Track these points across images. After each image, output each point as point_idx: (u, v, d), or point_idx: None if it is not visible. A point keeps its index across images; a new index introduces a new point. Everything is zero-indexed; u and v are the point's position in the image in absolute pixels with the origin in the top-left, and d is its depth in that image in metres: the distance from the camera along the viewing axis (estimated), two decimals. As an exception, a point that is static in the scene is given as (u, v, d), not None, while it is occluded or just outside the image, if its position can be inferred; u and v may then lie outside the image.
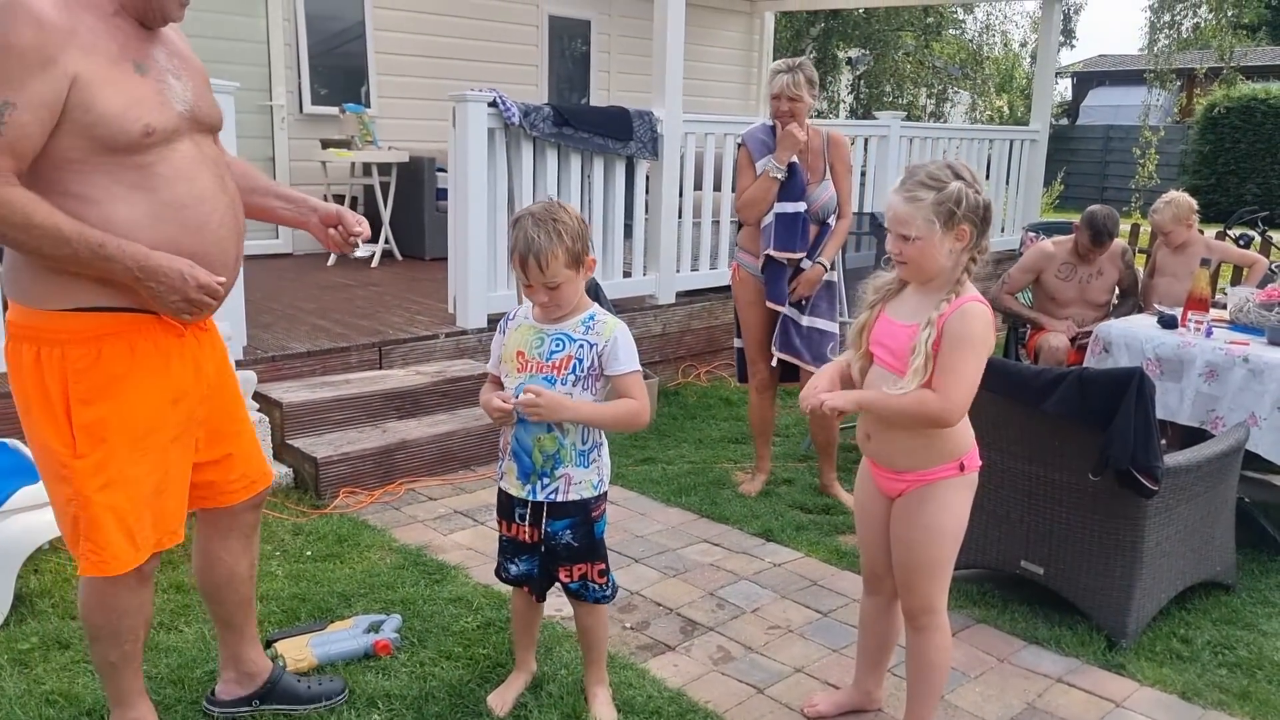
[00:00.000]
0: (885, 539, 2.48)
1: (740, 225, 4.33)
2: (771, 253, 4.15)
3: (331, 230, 2.49)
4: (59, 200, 1.97)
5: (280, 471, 4.20)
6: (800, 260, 4.17)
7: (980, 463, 2.41)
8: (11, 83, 1.88)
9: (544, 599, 2.68)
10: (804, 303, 4.21)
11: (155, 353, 2.14)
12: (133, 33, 2.07)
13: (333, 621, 3.07)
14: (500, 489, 2.57)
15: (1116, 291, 5.32)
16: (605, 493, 2.57)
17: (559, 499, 2.48)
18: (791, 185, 4.13)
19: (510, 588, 2.72)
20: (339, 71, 7.87)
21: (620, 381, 2.45)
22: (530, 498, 2.49)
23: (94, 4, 2.02)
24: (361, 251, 2.49)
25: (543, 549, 2.54)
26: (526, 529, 2.53)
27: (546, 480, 2.47)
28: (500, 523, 2.60)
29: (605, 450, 2.55)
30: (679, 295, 6.17)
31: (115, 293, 2.05)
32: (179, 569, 3.41)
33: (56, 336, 2.05)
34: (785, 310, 4.19)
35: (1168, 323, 4.32)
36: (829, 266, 4.19)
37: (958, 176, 2.21)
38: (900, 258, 2.28)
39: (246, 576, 2.54)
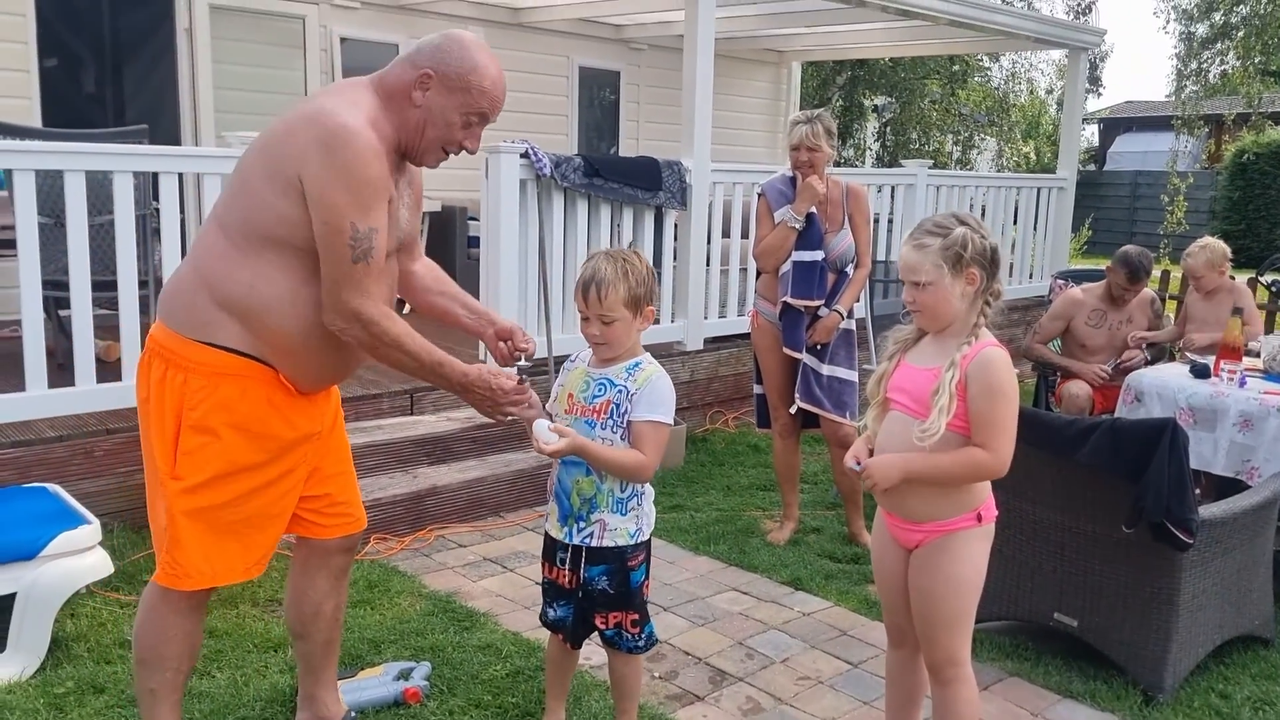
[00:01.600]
0: (905, 590, 2.47)
1: (760, 272, 4.37)
2: (789, 300, 4.18)
3: (501, 344, 2.63)
4: (271, 256, 2.20)
5: (312, 517, 4.24)
6: (818, 308, 4.20)
7: (996, 513, 2.41)
8: (372, 213, 2.17)
9: (579, 646, 2.68)
10: (823, 351, 4.23)
11: (265, 402, 2.28)
12: (396, 165, 2.32)
13: (363, 668, 3.08)
14: (545, 531, 2.61)
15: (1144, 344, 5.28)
16: (645, 543, 2.56)
17: (594, 544, 2.49)
18: (809, 234, 4.16)
19: (546, 635, 2.72)
20: (373, 122, 8.01)
21: (636, 427, 2.44)
22: (568, 540, 2.51)
23: (388, 139, 2.25)
24: (522, 362, 2.58)
25: (580, 594, 2.54)
26: (566, 573, 2.54)
27: (582, 524, 2.49)
28: (543, 565, 2.62)
29: (648, 500, 2.55)
30: (707, 342, 6.20)
31: (249, 340, 2.23)
32: (213, 614, 3.43)
33: (185, 363, 2.22)
34: (804, 358, 4.21)
35: (1200, 372, 4.30)
36: (845, 314, 4.22)
37: (962, 223, 2.32)
38: (915, 305, 2.36)
39: (331, 619, 2.65)
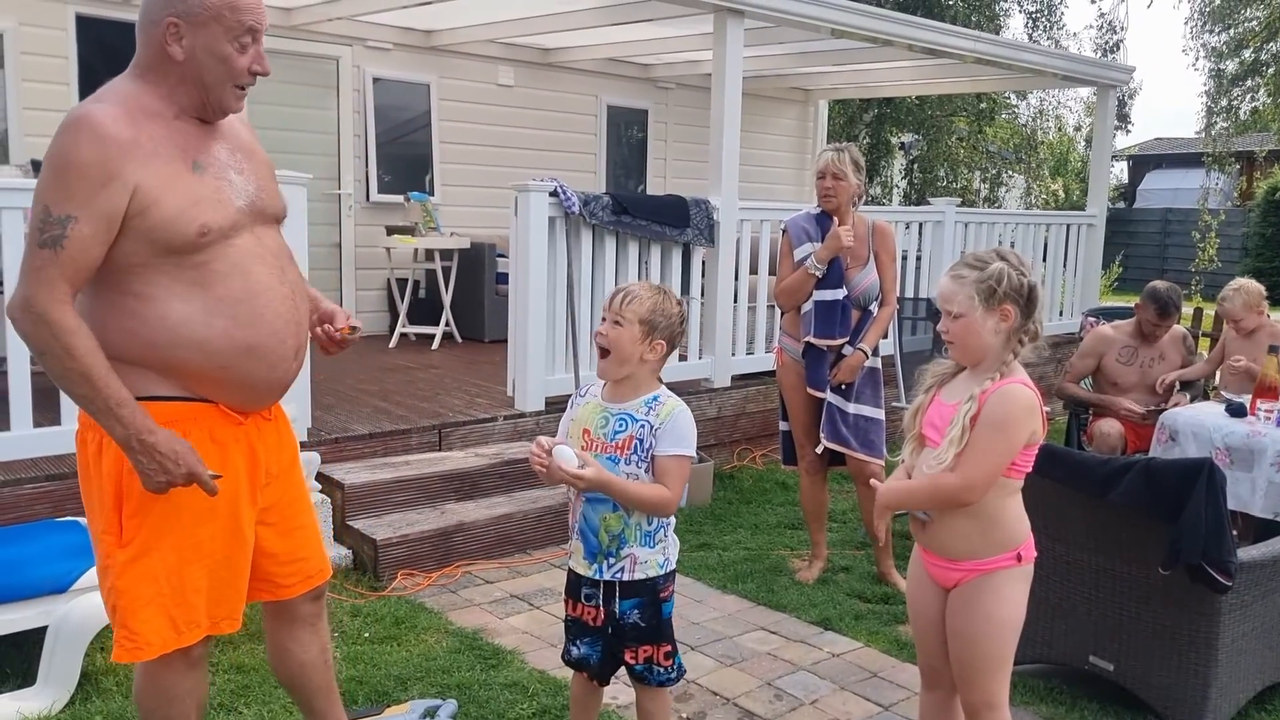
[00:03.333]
0: (941, 631, 2.43)
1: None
2: (811, 340, 4.17)
3: (320, 329, 2.47)
4: (120, 299, 2.06)
5: (340, 553, 4.25)
6: (841, 346, 4.18)
7: (1036, 553, 2.38)
8: (74, 199, 1.96)
9: (606, 683, 2.65)
10: (849, 389, 4.21)
11: (210, 441, 2.16)
12: (194, 132, 2.14)
13: (388, 706, 3.07)
14: (569, 568, 2.58)
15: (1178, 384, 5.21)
16: (673, 573, 2.55)
17: (625, 578, 2.48)
18: (830, 273, 4.15)
19: (570, 673, 2.70)
20: (404, 161, 8.14)
21: (660, 462, 2.43)
22: (598, 576, 2.49)
23: (156, 111, 2.09)
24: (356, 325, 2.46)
25: (609, 630, 2.52)
26: (594, 610, 2.51)
27: (612, 560, 2.47)
28: (566, 602, 2.60)
29: (671, 529, 2.55)
30: (734, 379, 6.18)
31: (177, 384, 2.11)
32: (239, 649, 3.44)
33: None
34: (829, 397, 4.19)
35: (1236, 411, 4.24)
36: (870, 353, 4.20)
37: (1002, 258, 2.31)
38: (948, 336, 2.35)
39: (320, 664, 2.53)
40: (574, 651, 2.58)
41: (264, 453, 2.29)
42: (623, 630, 2.50)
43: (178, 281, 2.07)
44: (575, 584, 2.56)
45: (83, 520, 3.58)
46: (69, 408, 4.02)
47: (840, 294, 4.16)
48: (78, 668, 3.09)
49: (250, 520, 2.27)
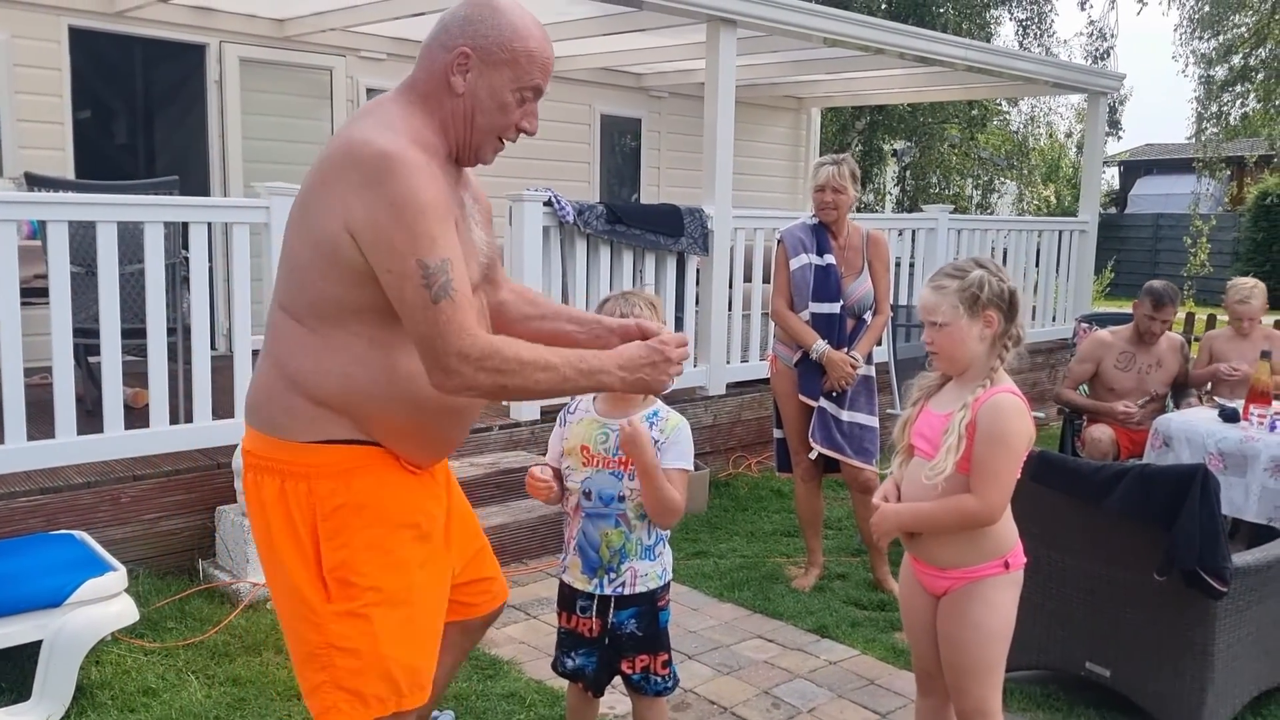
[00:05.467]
0: (933, 637, 2.45)
1: None
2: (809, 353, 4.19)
3: None
4: (348, 340, 1.90)
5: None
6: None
7: (1025, 560, 2.39)
8: (439, 241, 1.81)
9: (601, 694, 2.65)
10: (842, 396, 4.21)
11: (402, 486, 2.00)
12: (454, 178, 2.00)
13: (386, 717, 3.06)
14: (562, 581, 2.58)
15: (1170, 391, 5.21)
16: (669, 583, 2.57)
17: (625, 592, 2.48)
18: (827, 285, 4.18)
19: (565, 683, 2.70)
20: (398, 170, 8.12)
21: (668, 475, 2.45)
22: (597, 591, 2.49)
23: (435, 149, 1.94)
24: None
25: (606, 640, 2.52)
26: (589, 621, 2.51)
27: (613, 575, 2.48)
28: (560, 614, 2.60)
29: (667, 541, 2.57)
30: (729, 386, 6.19)
31: (364, 428, 1.95)
32: (235, 661, 3.43)
33: (303, 470, 1.92)
34: (823, 405, 4.21)
35: (1229, 416, 4.25)
36: (861, 361, 4.21)
37: (980, 266, 2.35)
38: (933, 347, 2.38)
39: (442, 682, 2.41)
40: (568, 663, 2.58)
41: (439, 495, 2.18)
42: (620, 640, 2.50)
43: (406, 334, 1.90)
44: (570, 597, 2.55)
45: (77, 534, 3.57)
46: (65, 420, 4.01)
47: (836, 307, 4.18)
48: (73, 682, 3.08)
49: (444, 566, 2.15)
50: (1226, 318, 5.30)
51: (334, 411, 1.93)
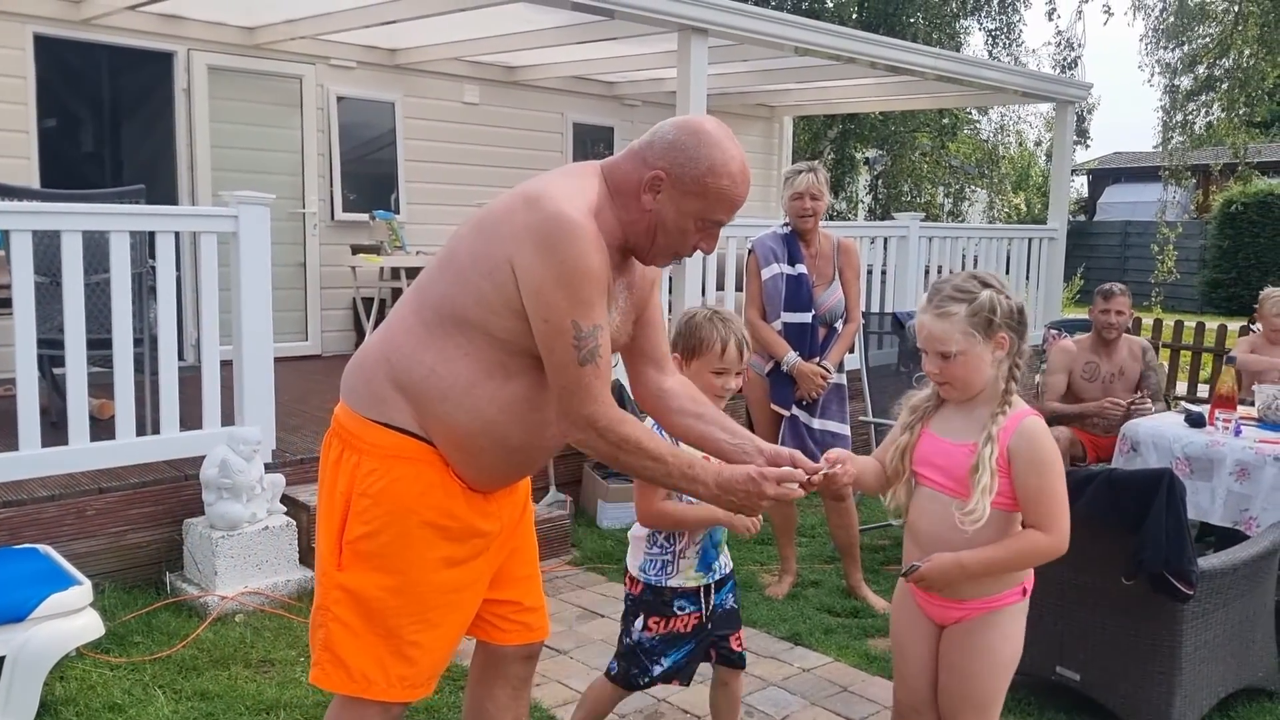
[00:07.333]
0: (931, 671, 2.32)
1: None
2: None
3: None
4: (471, 365, 1.99)
5: (306, 576, 4.20)
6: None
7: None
8: (594, 308, 1.93)
9: (688, 684, 2.80)
10: (813, 405, 4.23)
11: (439, 488, 2.05)
12: (618, 262, 2.08)
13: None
14: (659, 590, 2.64)
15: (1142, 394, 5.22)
16: None
17: (725, 572, 2.76)
18: (799, 295, 4.19)
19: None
20: (369, 179, 8.11)
21: None
22: (710, 580, 2.70)
23: (610, 233, 2.01)
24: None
25: (709, 625, 2.68)
26: (687, 617, 2.66)
27: (720, 560, 2.75)
28: (649, 625, 2.65)
29: None
30: (702, 395, 6.19)
31: (422, 423, 2.03)
32: (203, 675, 3.39)
33: (360, 444, 2.04)
34: (795, 413, 4.22)
35: (1195, 421, 4.30)
36: (833, 370, 4.23)
37: (985, 285, 2.17)
38: (941, 378, 2.20)
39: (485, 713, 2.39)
40: (656, 670, 2.67)
41: (498, 510, 2.21)
42: (718, 619, 2.71)
43: (525, 373, 2.02)
44: (668, 602, 2.65)
45: (41, 548, 3.52)
46: (28, 432, 3.96)
47: (808, 317, 4.20)
48: (36, 697, 3.03)
49: (475, 579, 2.16)
50: (1259, 326, 5.35)
51: (406, 400, 2.02)
